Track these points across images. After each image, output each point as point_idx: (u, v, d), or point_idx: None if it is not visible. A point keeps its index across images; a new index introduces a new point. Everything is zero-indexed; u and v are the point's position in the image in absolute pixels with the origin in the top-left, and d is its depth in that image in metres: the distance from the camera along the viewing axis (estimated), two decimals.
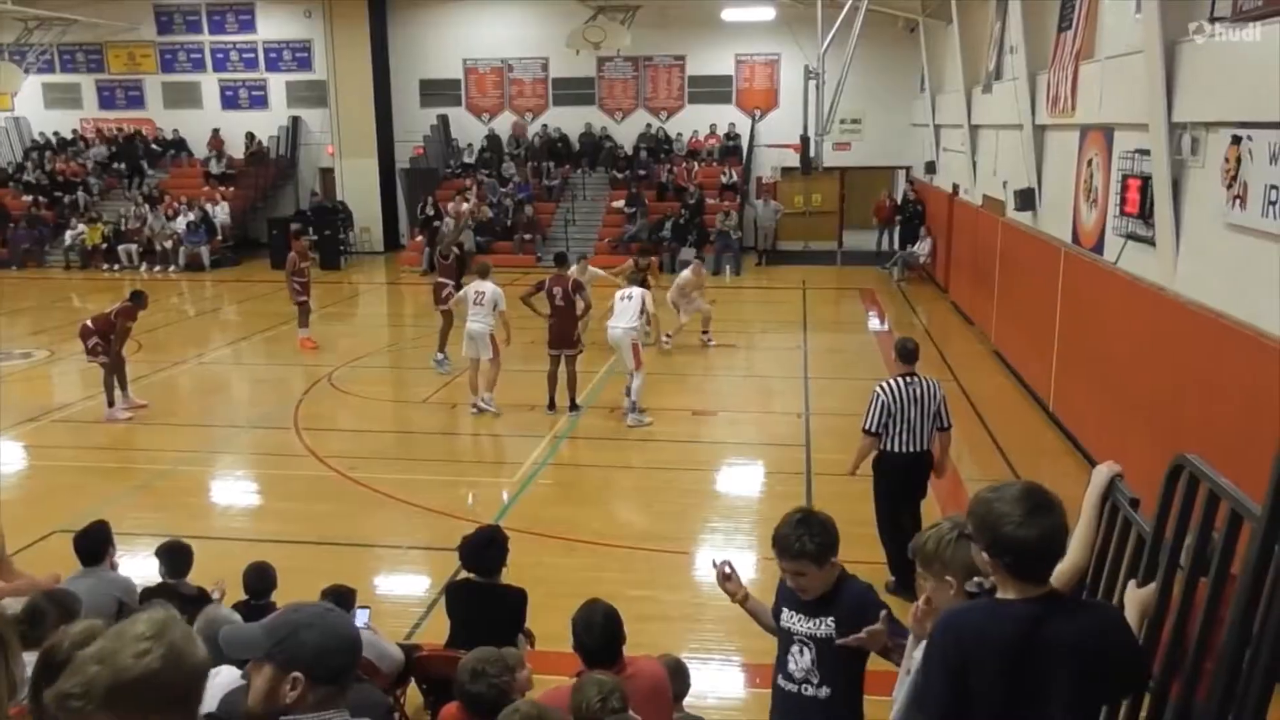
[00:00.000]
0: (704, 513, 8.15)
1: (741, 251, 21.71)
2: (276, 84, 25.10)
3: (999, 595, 2.30)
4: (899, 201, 22.53)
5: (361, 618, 4.78)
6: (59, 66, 25.64)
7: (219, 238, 22.65)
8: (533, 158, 23.90)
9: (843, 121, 20.41)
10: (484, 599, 4.73)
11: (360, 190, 23.89)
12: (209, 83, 25.41)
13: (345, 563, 6.98)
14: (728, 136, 23.70)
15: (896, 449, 6.33)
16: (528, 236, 21.87)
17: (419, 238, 21.72)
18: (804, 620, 3.31)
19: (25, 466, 9.80)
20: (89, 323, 10.78)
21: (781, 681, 3.40)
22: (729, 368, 13.52)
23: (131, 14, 24.53)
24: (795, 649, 3.33)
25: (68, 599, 3.81)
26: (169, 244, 21.93)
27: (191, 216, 22.23)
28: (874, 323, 16.62)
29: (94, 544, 5.03)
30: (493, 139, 24.47)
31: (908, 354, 6.51)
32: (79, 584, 4.94)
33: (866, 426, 6.35)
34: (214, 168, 24.44)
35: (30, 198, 23.75)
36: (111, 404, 10.75)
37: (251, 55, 25.06)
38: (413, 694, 4.93)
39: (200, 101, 25.49)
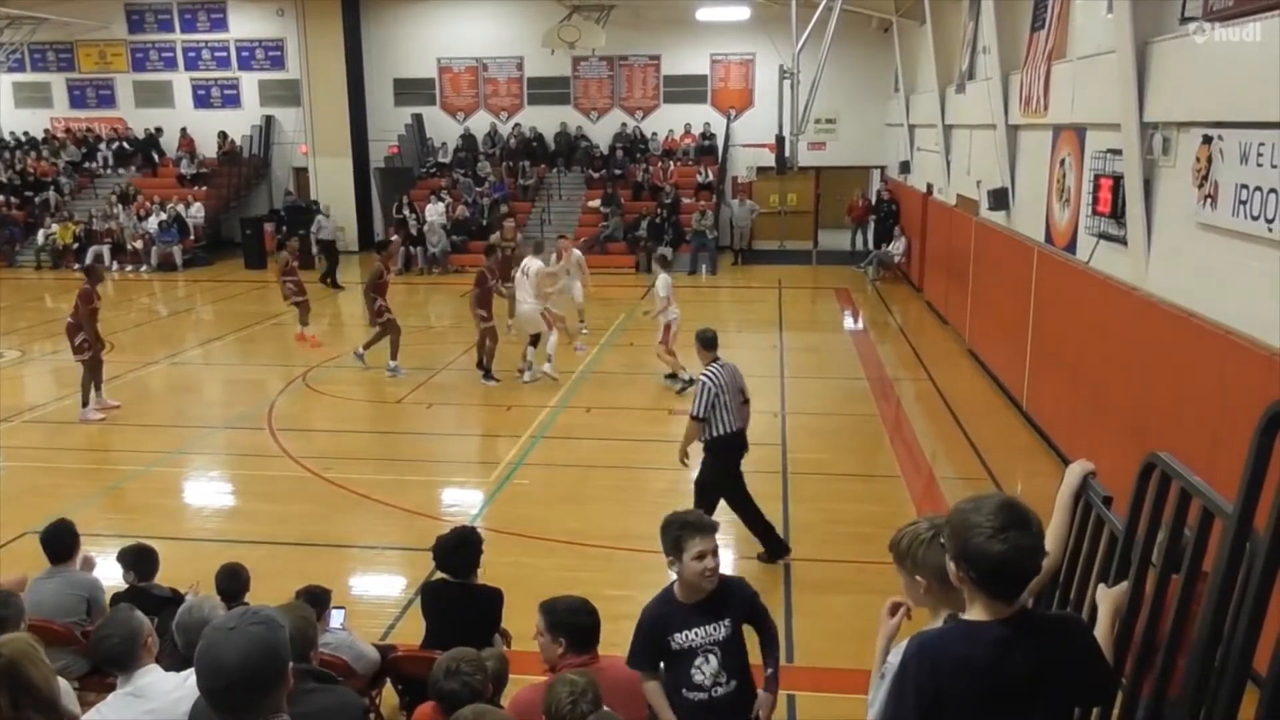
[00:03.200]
0: None
1: (717, 251, 21.76)
2: (249, 83, 24.88)
3: (967, 615, 2.25)
4: (873, 201, 22.65)
5: (337, 618, 4.75)
6: (29, 65, 25.32)
7: (191, 237, 22.42)
8: (508, 157, 23.83)
9: (818, 121, 20.52)
10: (459, 599, 4.69)
11: (335, 189, 23.72)
12: (181, 82, 25.15)
13: (320, 563, 6.92)
14: (703, 136, 23.74)
15: (725, 430, 6.77)
16: None
17: (395, 237, 21.59)
18: (703, 630, 3.53)
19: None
20: (71, 319, 10.65)
21: (688, 693, 3.54)
22: None
23: (102, 13, 24.23)
24: (699, 660, 3.53)
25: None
26: (140, 244, 21.69)
27: (164, 216, 21.99)
28: (849, 322, 16.71)
29: (61, 542, 4.97)
30: (468, 138, 24.37)
31: (709, 342, 7.07)
32: (46, 585, 4.89)
33: (696, 413, 6.74)
34: (185, 168, 24.18)
35: (2, 198, 23.42)
36: (86, 404, 10.61)
37: (224, 54, 24.81)
38: (388, 694, 4.89)
39: (172, 101, 25.22)
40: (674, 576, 3.60)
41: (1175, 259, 7.17)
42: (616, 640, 4.05)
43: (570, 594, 3.74)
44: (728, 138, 23.67)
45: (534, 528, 7.63)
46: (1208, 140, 6.42)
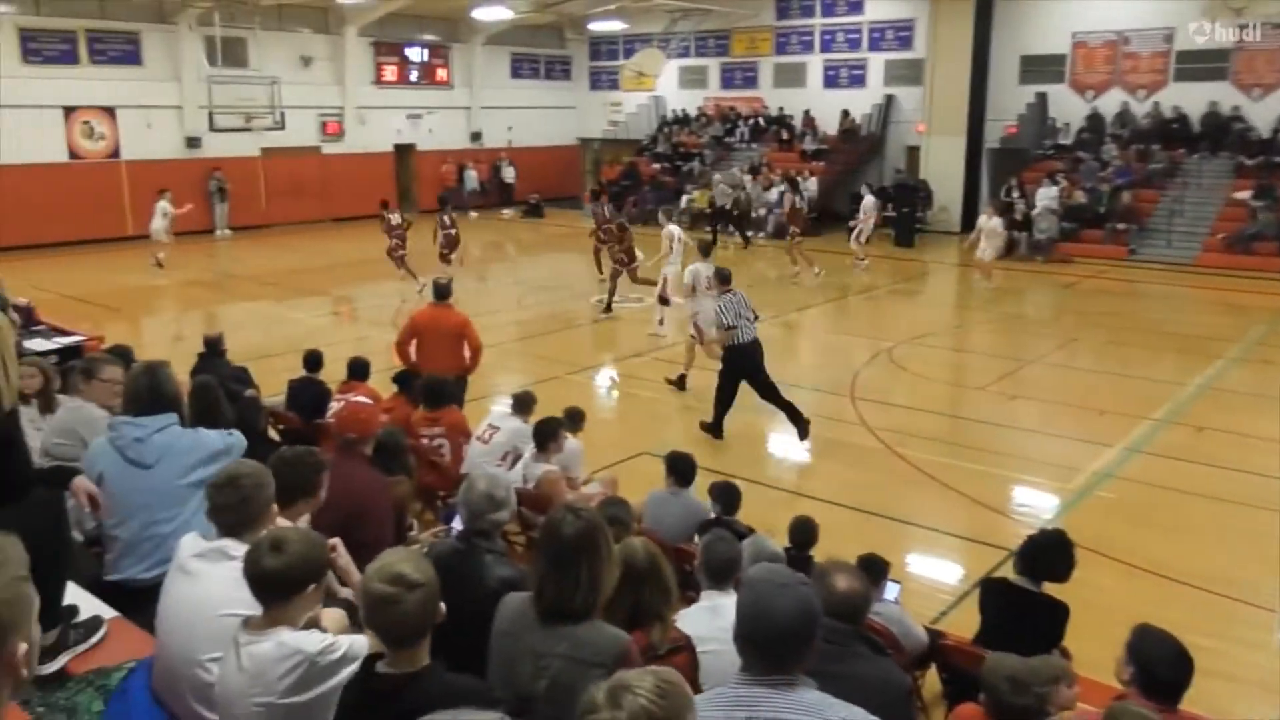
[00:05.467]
0: None
1: None
2: (876, 63, 25.87)
3: None
4: None
5: (892, 591, 4.83)
6: (693, 51, 29.42)
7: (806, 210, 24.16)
8: (1138, 139, 21.48)
9: None
10: (1022, 604, 4.47)
11: (944, 169, 23.65)
12: (814, 63, 27.11)
13: (879, 534, 7.08)
14: None
15: (742, 340, 8.89)
16: (1121, 226, 19.82)
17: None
18: None
19: (628, 395, 11.52)
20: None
21: None
22: None
23: (755, 2, 27.09)
24: None
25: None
26: (762, 212, 23.98)
27: (783, 188, 23.98)
28: None
29: (686, 465, 5.88)
30: (1094, 118, 22.49)
31: (725, 278, 9.34)
32: (670, 504, 5.75)
33: (728, 323, 8.84)
34: (808, 144, 26.07)
35: (658, 165, 27.68)
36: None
37: (856, 36, 26.11)
38: (931, 678, 4.86)
39: (804, 81, 27.31)
40: None
41: None
42: (1198, 698, 3.54)
43: (1171, 635, 3.37)
44: None
45: (1114, 548, 6.90)
46: None
